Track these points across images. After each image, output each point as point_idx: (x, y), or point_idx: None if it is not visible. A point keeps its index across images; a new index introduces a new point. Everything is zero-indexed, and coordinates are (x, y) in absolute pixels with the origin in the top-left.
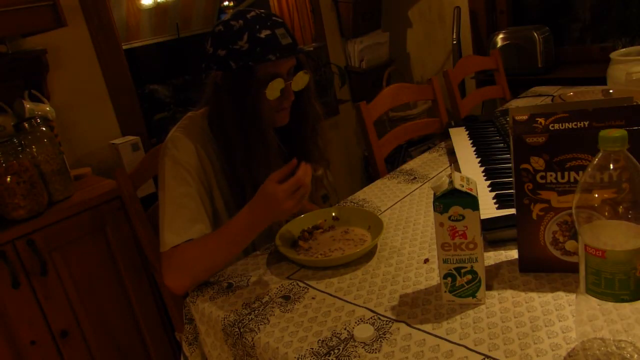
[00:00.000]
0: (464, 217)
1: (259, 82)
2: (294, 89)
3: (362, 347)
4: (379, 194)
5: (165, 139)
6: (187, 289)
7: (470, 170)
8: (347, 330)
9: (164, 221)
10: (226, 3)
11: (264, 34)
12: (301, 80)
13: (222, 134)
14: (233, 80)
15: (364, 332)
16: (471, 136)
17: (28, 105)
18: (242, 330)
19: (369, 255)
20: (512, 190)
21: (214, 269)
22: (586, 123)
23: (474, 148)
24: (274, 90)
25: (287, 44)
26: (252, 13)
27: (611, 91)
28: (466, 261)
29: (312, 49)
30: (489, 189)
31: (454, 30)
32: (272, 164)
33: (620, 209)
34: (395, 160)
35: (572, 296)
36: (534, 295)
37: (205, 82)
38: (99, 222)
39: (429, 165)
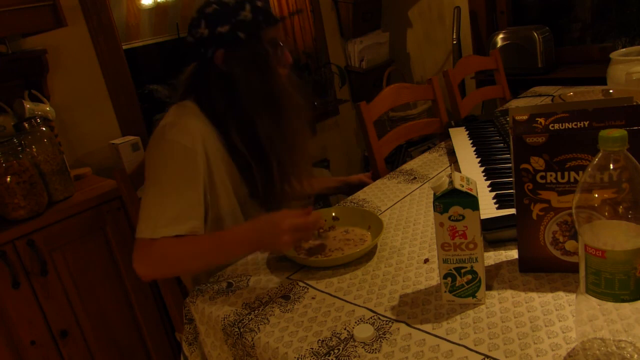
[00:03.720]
0: (464, 217)
1: (269, 47)
2: None
3: (362, 347)
4: (379, 194)
5: (160, 125)
6: (155, 279)
7: (470, 170)
8: (347, 330)
9: (158, 208)
10: None
11: (259, 3)
12: None
13: (235, 115)
14: (247, 50)
15: (364, 332)
16: (471, 136)
17: (28, 105)
18: (242, 330)
19: (369, 255)
20: (512, 190)
21: (194, 271)
22: (586, 123)
23: (474, 148)
24: (284, 54)
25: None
26: None
27: (611, 91)
28: (466, 261)
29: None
30: (489, 189)
31: (454, 30)
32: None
33: (620, 209)
34: (395, 160)
35: (572, 296)
36: (534, 295)
37: (181, 75)
38: (99, 222)
39: (429, 165)
